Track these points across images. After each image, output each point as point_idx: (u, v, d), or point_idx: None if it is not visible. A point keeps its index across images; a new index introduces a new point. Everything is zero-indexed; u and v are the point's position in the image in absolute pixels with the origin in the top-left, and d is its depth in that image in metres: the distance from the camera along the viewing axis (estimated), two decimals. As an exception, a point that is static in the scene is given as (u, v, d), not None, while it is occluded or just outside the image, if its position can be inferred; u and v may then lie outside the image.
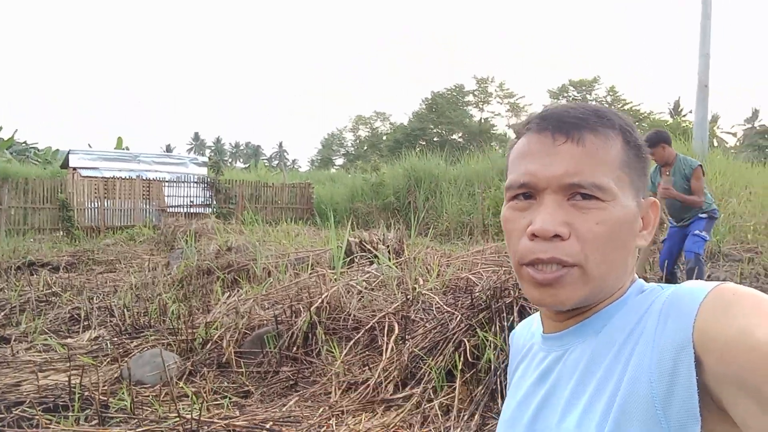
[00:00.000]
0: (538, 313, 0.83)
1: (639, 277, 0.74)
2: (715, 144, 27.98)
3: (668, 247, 5.11)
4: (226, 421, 3.29)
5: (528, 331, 0.88)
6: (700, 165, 4.88)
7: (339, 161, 56.91)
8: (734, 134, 43.61)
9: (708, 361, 0.54)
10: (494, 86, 48.02)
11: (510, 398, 0.81)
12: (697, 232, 4.82)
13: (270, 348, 4.36)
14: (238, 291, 5.84)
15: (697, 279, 4.68)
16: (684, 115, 40.19)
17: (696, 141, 13.03)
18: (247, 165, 47.56)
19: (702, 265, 4.79)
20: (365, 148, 53.79)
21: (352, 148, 57.17)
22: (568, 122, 0.69)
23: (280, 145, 78.00)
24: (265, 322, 4.85)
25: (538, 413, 0.72)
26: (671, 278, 5.05)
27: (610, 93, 44.92)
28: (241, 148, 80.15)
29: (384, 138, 51.79)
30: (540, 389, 0.74)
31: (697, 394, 0.54)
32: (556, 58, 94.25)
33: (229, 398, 3.75)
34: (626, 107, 43.56)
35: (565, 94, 45.99)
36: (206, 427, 3.17)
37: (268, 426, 3.25)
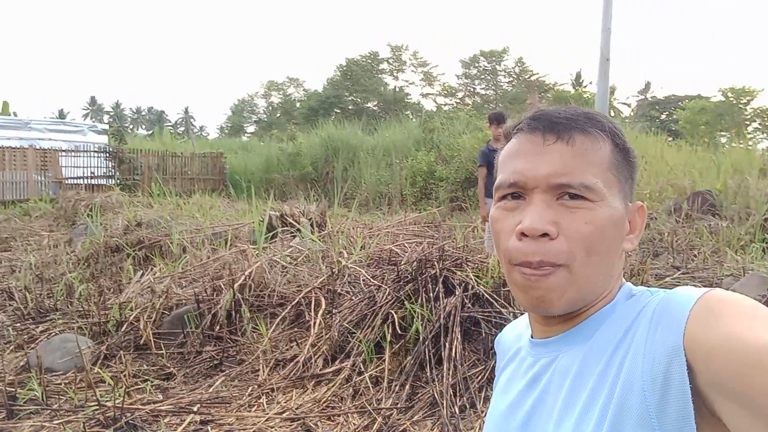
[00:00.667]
0: (526, 314, 0.83)
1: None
2: (612, 114, 29.81)
3: None
4: (150, 406, 3.18)
5: (515, 333, 0.88)
6: None
7: (251, 129, 55.14)
8: (629, 105, 46.67)
9: (698, 368, 0.54)
10: (408, 54, 48.16)
11: (498, 401, 0.81)
12: None
13: (191, 328, 4.23)
14: (151, 269, 5.58)
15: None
16: (585, 87, 42.37)
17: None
18: (150, 132, 44.99)
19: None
20: (278, 115, 52.43)
21: (265, 115, 55.53)
22: (558, 122, 0.69)
23: (186, 111, 74.10)
24: (184, 301, 4.68)
25: (528, 420, 0.72)
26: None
27: (519, 64, 46.43)
28: (143, 113, 75.46)
29: (298, 105, 50.71)
30: (530, 395, 0.73)
31: (691, 402, 0.54)
32: (467, 28, 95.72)
33: (151, 382, 3.61)
34: (533, 78, 45.29)
35: (476, 64, 47.01)
36: (129, 414, 3.04)
37: (195, 408, 3.18)
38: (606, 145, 0.70)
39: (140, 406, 3.17)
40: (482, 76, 47.64)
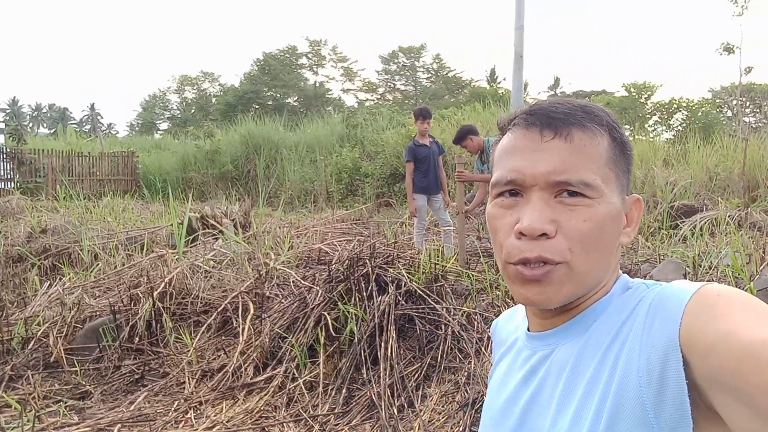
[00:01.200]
0: (521, 305, 0.81)
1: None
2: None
3: None
4: (65, 430, 2.92)
5: (511, 323, 0.86)
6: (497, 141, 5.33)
7: (164, 126, 52.73)
8: (540, 100, 48.64)
9: (694, 362, 0.54)
10: (327, 49, 47.75)
11: (494, 395, 0.80)
12: None
13: (107, 341, 3.95)
14: (60, 279, 5.16)
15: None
16: (499, 83, 43.81)
17: (513, 108, 14.30)
18: (53, 130, 42.04)
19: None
20: (193, 111, 50.51)
21: (178, 112, 53.26)
22: (556, 118, 0.68)
23: (92, 107, 69.59)
24: (98, 312, 4.37)
25: (526, 413, 0.72)
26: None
27: (436, 60, 47.27)
28: (44, 110, 70.36)
29: (214, 101, 49.07)
30: (526, 389, 0.73)
31: (687, 397, 0.54)
32: (385, 23, 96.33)
33: (65, 403, 3.33)
34: (450, 74, 46.27)
35: (396, 60, 47.40)
36: (40, 443, 2.78)
37: (116, 429, 2.95)
38: (604, 139, 0.69)
39: (53, 431, 2.91)
40: (402, 72, 48.09)
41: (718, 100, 26.61)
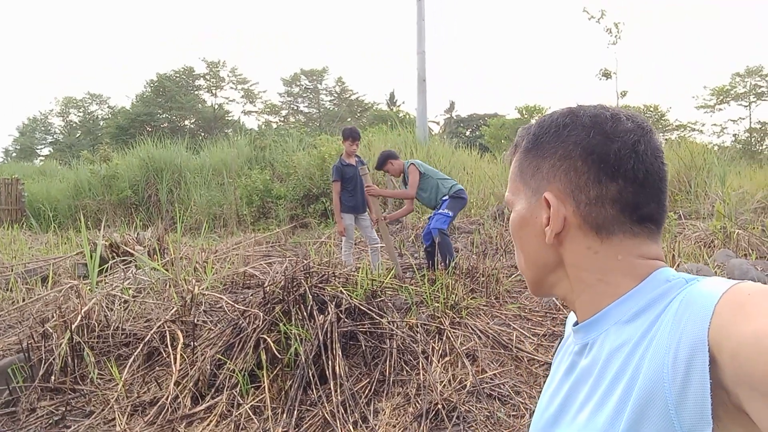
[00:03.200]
0: None
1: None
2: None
3: (429, 225, 5.78)
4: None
5: (574, 317, 0.87)
6: (412, 163, 5.68)
7: (45, 151, 48.88)
8: (438, 123, 50.66)
9: (723, 363, 0.54)
10: (226, 71, 46.77)
11: (547, 386, 0.82)
12: (440, 211, 5.50)
13: (19, 382, 3.59)
14: (-53, 319, 4.63)
15: (445, 250, 5.32)
16: (399, 106, 45.06)
17: (419, 129, 14.77)
18: None
19: (447, 239, 5.45)
20: (78, 135, 47.32)
21: (62, 136, 49.60)
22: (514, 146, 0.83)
23: (-40, 132, 63.20)
24: (3, 352, 3.97)
25: (563, 407, 0.73)
26: (431, 249, 5.68)
27: (339, 83, 47.78)
28: None
29: (102, 124, 46.29)
30: (566, 382, 0.75)
31: (710, 397, 0.54)
32: (288, 46, 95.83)
33: (-26, 455, 2.98)
34: (353, 97, 46.92)
35: (298, 83, 47.34)
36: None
37: (43, 478, 2.69)
38: (516, 155, 0.80)
39: (-33, 488, 2.59)
40: (304, 95, 48.10)
41: (598, 122, 29.07)
